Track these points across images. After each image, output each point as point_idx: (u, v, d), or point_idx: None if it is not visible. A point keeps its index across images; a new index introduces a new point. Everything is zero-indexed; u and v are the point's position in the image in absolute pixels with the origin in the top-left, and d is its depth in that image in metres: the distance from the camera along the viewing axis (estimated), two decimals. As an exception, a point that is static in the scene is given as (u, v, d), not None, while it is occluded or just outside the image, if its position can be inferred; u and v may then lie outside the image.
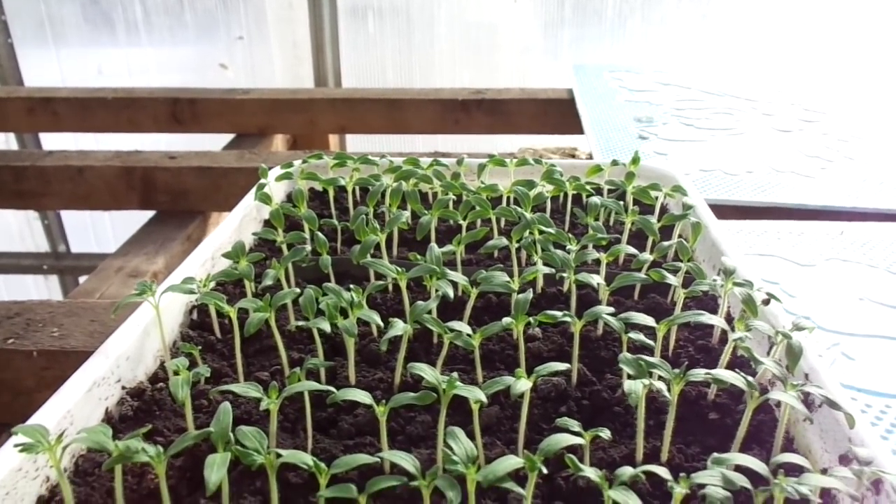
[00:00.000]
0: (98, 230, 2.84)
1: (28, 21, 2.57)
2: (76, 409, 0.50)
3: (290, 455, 0.41)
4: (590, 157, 1.52)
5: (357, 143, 2.57)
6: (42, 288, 2.95)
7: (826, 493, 0.43)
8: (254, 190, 0.89)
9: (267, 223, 0.91)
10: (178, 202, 1.60)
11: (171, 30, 2.56)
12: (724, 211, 1.28)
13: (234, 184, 1.56)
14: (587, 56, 2.55)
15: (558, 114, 1.99)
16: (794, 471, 0.42)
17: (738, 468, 0.42)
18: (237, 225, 0.83)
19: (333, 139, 2.31)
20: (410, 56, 2.58)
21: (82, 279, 2.89)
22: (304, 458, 0.41)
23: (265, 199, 0.83)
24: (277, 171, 0.96)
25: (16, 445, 0.41)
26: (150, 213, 1.64)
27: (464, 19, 2.54)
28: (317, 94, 2.08)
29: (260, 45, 2.54)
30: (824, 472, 0.45)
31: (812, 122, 1.74)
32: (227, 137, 2.09)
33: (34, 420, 0.46)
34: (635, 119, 1.77)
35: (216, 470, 0.39)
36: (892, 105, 1.85)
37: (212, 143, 2.14)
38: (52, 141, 2.61)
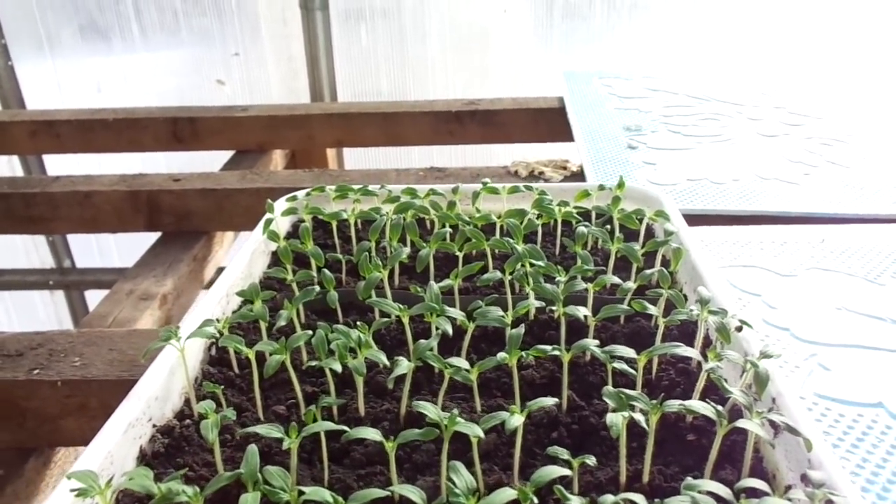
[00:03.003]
0: (102, 245, 2.90)
1: (26, 40, 2.61)
2: (115, 449, 0.56)
3: (313, 492, 0.47)
4: (581, 169, 1.57)
5: (354, 156, 2.62)
6: (48, 303, 3.01)
7: (787, 511, 0.49)
8: (261, 225, 0.94)
9: (274, 255, 0.97)
10: (183, 223, 1.65)
11: (168, 47, 2.61)
12: (712, 219, 1.34)
13: (237, 204, 1.62)
14: (577, 61, 2.60)
15: (550, 122, 2.05)
16: (759, 493, 0.48)
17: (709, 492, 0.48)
18: (248, 260, 0.88)
19: (331, 153, 2.36)
20: (404, 66, 2.63)
21: (88, 294, 2.94)
22: (325, 496, 0.47)
23: (273, 236, 0.88)
24: (282, 203, 1.02)
25: (72, 490, 0.46)
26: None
27: (455, 27, 2.59)
28: (314, 110, 2.13)
29: (255, 60, 2.59)
30: (788, 488, 0.50)
31: (796, 125, 1.79)
32: (227, 154, 2.14)
33: (81, 463, 0.52)
34: (624, 128, 1.82)
35: (248, 509, 0.45)
36: (875, 107, 1.90)
37: (212, 159, 2.20)
38: (55, 161, 2.66)
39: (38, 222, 1.68)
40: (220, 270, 1.80)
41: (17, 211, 1.67)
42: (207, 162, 2.26)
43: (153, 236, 1.68)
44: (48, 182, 1.69)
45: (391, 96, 2.64)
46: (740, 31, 2.54)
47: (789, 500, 0.46)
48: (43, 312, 3.03)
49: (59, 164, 2.65)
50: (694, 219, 1.31)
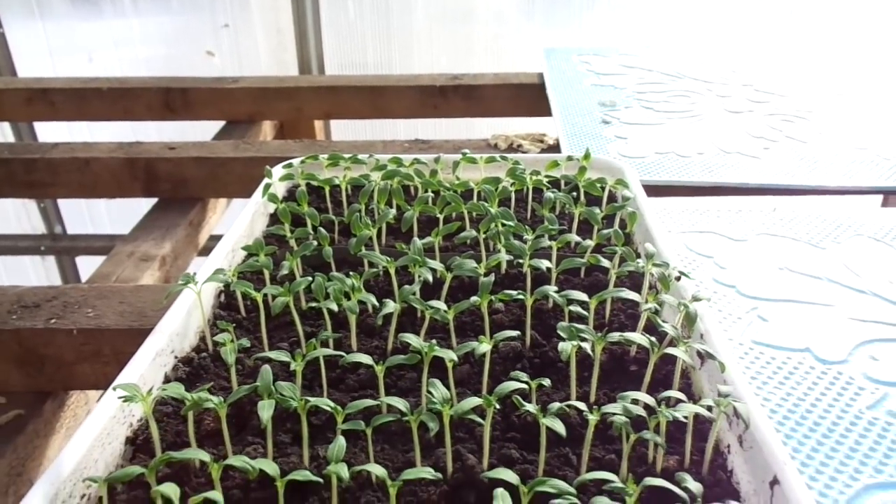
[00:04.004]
0: (93, 212, 2.97)
1: (17, 7, 2.64)
2: (146, 373, 0.66)
3: (317, 401, 0.58)
4: (557, 142, 1.67)
5: (341, 128, 2.70)
6: (40, 269, 3.08)
7: (702, 420, 0.60)
8: (261, 188, 1.04)
9: (273, 216, 1.06)
10: (179, 190, 1.74)
11: (157, 15, 2.66)
12: (677, 190, 1.44)
13: (231, 172, 1.70)
14: (558, 37, 2.68)
15: (530, 98, 2.14)
16: (678, 403, 0.59)
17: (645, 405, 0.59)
18: (249, 220, 0.98)
19: (319, 124, 2.44)
20: (390, 39, 2.70)
21: (79, 259, 3.01)
22: (328, 403, 0.57)
23: (273, 199, 0.98)
24: (279, 169, 1.11)
25: (120, 397, 0.56)
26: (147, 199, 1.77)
27: (440, 3, 2.66)
28: (302, 83, 2.21)
29: (245, 32, 2.65)
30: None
31: (761, 102, 1.90)
32: (215, 125, 2.21)
33: (121, 380, 0.62)
34: (600, 103, 1.92)
35: (266, 410, 0.55)
36: (838, 84, 2.01)
37: (202, 129, 2.27)
38: (46, 129, 2.72)
39: (38, 187, 1.76)
40: (213, 237, 1.89)
41: (17, 176, 1.74)
42: (198, 132, 2.33)
43: (145, 205, 1.77)
44: (48, 148, 1.76)
45: (377, 69, 2.71)
46: (716, 9, 2.63)
47: (706, 407, 0.58)
48: (34, 277, 3.10)
49: (50, 132, 2.71)
50: (659, 189, 1.42)
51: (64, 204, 2.90)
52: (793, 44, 2.46)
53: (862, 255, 1.16)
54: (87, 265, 3.00)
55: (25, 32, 2.67)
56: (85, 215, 2.98)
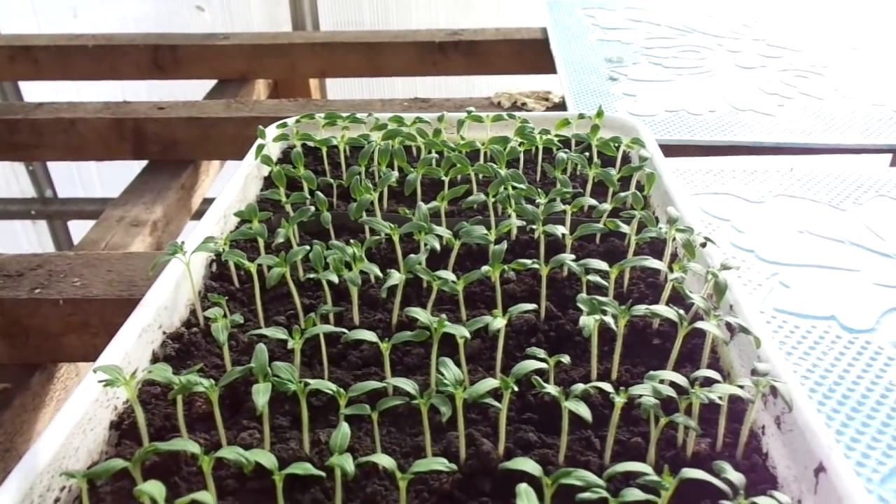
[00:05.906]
0: (84, 175, 2.89)
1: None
2: (132, 351, 0.61)
3: (317, 383, 0.53)
4: (563, 100, 1.60)
5: (337, 86, 2.61)
6: (31, 233, 3.01)
7: (737, 400, 0.56)
8: (253, 150, 0.97)
9: (267, 180, 1.00)
10: (170, 152, 1.67)
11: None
12: (688, 149, 1.38)
13: (223, 133, 1.63)
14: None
15: (533, 53, 2.06)
16: (711, 383, 0.54)
17: (671, 383, 0.54)
18: (242, 184, 0.92)
19: (314, 83, 2.35)
20: (386, -6, 2.60)
21: (71, 224, 2.95)
22: (329, 385, 0.53)
23: (267, 161, 0.92)
24: (273, 130, 1.05)
25: (100, 381, 0.51)
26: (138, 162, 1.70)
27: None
28: (296, 39, 2.12)
29: (236, -15, 2.54)
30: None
31: (774, 57, 1.82)
32: (206, 85, 2.13)
33: (103, 360, 0.57)
34: (606, 59, 1.84)
35: (262, 395, 0.50)
36: (854, 39, 1.93)
37: (193, 90, 2.18)
38: (31, 88, 2.62)
39: (23, 149, 1.68)
40: (207, 201, 1.83)
41: (0, 138, 1.67)
42: (188, 91, 2.25)
43: (136, 168, 1.69)
44: (31, 108, 1.69)
45: (373, 26, 2.62)
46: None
47: (740, 386, 0.53)
48: (26, 242, 3.04)
49: (36, 91, 2.61)
50: (671, 149, 1.36)
51: (54, 167, 2.82)
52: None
53: (885, 216, 1.10)
54: (80, 230, 2.93)
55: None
56: (75, 178, 2.90)
